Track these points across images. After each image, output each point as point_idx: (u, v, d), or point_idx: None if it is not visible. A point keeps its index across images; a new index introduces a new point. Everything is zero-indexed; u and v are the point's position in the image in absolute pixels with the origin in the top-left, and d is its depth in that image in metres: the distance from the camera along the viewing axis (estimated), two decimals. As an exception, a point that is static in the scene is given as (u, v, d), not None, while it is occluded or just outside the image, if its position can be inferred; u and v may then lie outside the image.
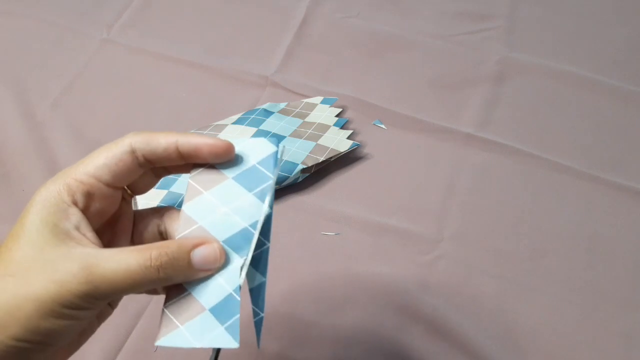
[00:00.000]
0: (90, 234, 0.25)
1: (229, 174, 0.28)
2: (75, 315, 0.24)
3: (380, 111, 0.62)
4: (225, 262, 0.26)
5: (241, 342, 0.25)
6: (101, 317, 0.29)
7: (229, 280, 0.26)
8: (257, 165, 0.28)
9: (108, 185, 0.26)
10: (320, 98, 0.62)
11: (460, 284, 0.50)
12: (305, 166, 0.53)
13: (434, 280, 0.50)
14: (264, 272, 0.27)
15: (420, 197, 0.55)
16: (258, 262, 0.27)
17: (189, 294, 0.26)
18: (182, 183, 0.52)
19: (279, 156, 0.28)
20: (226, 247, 0.27)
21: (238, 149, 0.28)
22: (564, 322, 0.48)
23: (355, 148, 0.56)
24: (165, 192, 0.52)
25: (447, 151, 0.59)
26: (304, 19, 0.71)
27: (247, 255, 0.26)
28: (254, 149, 0.28)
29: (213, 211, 0.27)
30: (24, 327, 0.23)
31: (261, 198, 0.27)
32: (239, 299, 0.26)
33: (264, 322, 0.48)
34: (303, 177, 0.55)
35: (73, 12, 0.71)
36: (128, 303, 0.48)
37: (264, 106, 0.60)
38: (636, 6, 0.73)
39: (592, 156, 0.58)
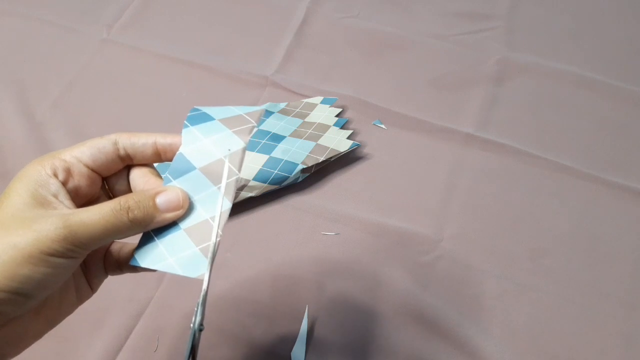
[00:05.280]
0: (67, 202, 0.27)
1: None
2: (53, 262, 0.24)
3: (380, 111, 0.62)
4: (189, 209, 0.28)
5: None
6: (81, 298, 0.29)
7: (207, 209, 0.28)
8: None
9: (87, 166, 0.29)
10: (320, 98, 0.62)
11: (460, 284, 0.50)
12: (305, 166, 0.53)
13: (434, 280, 0.50)
14: (231, 200, 0.29)
15: (420, 197, 0.55)
16: (230, 191, 0.29)
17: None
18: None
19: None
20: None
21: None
22: (564, 322, 0.48)
23: (355, 148, 0.56)
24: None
25: (447, 151, 0.59)
26: (304, 19, 0.71)
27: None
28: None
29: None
30: (2, 274, 0.23)
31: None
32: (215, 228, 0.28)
33: (269, 320, 0.48)
34: (303, 177, 0.55)
35: (73, 12, 0.71)
36: (128, 304, 0.48)
37: (264, 106, 0.60)
38: (636, 6, 0.73)
39: (592, 156, 0.58)
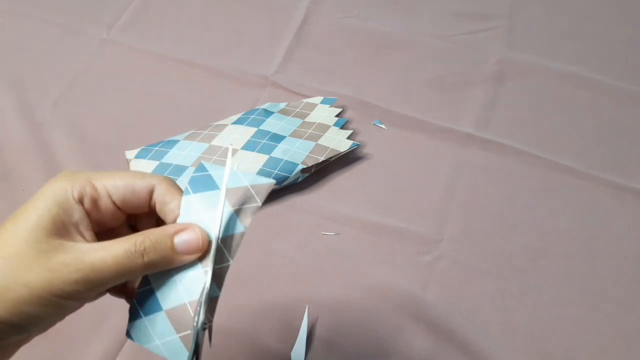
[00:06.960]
0: (87, 234, 0.26)
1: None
2: (63, 304, 0.24)
3: (380, 111, 0.62)
4: (169, 287, 0.27)
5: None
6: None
7: (192, 288, 0.27)
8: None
9: (115, 205, 0.27)
10: (320, 98, 0.62)
11: (460, 284, 0.50)
12: (305, 166, 0.53)
13: (434, 280, 0.50)
14: (220, 287, 0.27)
15: (420, 197, 0.55)
16: (219, 278, 0.27)
17: (152, 289, 0.27)
18: (173, 155, 0.55)
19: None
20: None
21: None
22: (564, 322, 0.48)
23: (355, 148, 0.56)
24: (157, 162, 0.54)
25: (447, 151, 0.59)
26: (304, 19, 0.71)
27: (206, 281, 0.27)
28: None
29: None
30: (9, 310, 0.23)
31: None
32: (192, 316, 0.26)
33: (269, 320, 0.48)
34: (303, 177, 0.55)
35: (73, 12, 0.71)
36: (127, 304, 0.48)
37: (264, 106, 0.60)
38: (636, 6, 0.73)
39: (592, 156, 0.58)
